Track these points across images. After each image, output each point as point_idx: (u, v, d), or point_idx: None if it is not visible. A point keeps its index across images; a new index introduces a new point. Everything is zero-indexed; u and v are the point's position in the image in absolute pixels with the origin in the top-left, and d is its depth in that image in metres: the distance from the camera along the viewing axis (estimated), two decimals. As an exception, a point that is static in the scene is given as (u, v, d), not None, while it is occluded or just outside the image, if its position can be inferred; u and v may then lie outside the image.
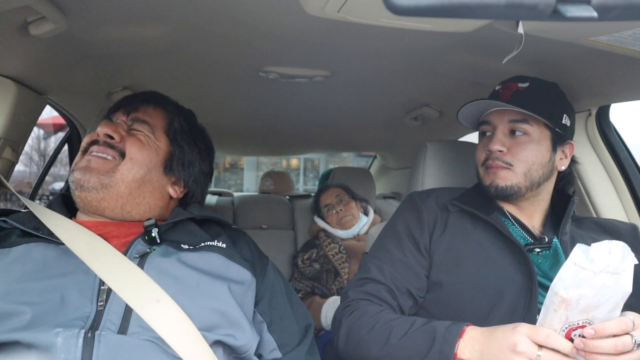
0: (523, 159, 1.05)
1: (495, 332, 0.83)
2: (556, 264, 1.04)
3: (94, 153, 0.96)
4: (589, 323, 0.75)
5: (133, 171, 0.96)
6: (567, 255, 0.90)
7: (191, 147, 1.06)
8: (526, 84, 1.08)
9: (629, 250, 0.77)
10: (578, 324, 0.75)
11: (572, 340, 0.76)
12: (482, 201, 1.12)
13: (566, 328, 0.76)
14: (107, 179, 0.93)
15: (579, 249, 0.78)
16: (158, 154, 1.00)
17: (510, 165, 1.05)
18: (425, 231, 1.09)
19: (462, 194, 1.16)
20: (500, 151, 1.06)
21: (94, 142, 0.97)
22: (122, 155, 0.96)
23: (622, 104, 1.34)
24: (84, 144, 0.99)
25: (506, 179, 1.06)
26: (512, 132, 1.07)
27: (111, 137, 0.96)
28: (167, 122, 1.04)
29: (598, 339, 0.75)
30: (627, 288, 0.75)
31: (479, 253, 1.04)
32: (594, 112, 1.42)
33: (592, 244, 0.78)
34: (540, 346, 0.77)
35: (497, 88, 1.12)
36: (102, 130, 0.96)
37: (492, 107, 1.10)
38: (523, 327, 0.79)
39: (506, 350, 0.78)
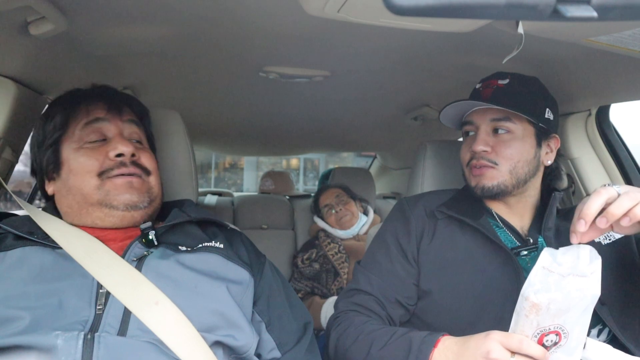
0: (508, 157, 1.04)
1: (468, 341, 0.83)
2: None
3: (124, 174, 0.93)
4: (560, 328, 0.75)
5: (158, 183, 1.01)
6: None
7: None
8: (506, 81, 1.06)
9: (596, 254, 0.78)
10: (550, 329, 0.75)
11: (544, 345, 0.76)
12: (470, 204, 1.10)
13: (538, 334, 0.76)
14: (153, 195, 0.97)
15: (546, 252, 0.79)
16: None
17: (495, 164, 1.04)
18: (413, 240, 1.09)
19: (450, 198, 1.15)
20: (484, 151, 1.05)
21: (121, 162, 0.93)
22: (146, 172, 0.98)
23: (622, 104, 1.34)
24: (105, 165, 0.93)
25: (492, 178, 1.04)
26: (495, 131, 1.06)
27: (132, 155, 0.95)
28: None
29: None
30: (596, 291, 0.75)
31: (467, 260, 1.04)
32: (594, 112, 1.42)
33: (560, 248, 0.79)
34: (513, 352, 0.77)
35: (477, 86, 1.11)
36: (126, 149, 0.93)
37: (473, 107, 1.08)
38: (495, 334, 0.79)
39: (480, 358, 0.79)
